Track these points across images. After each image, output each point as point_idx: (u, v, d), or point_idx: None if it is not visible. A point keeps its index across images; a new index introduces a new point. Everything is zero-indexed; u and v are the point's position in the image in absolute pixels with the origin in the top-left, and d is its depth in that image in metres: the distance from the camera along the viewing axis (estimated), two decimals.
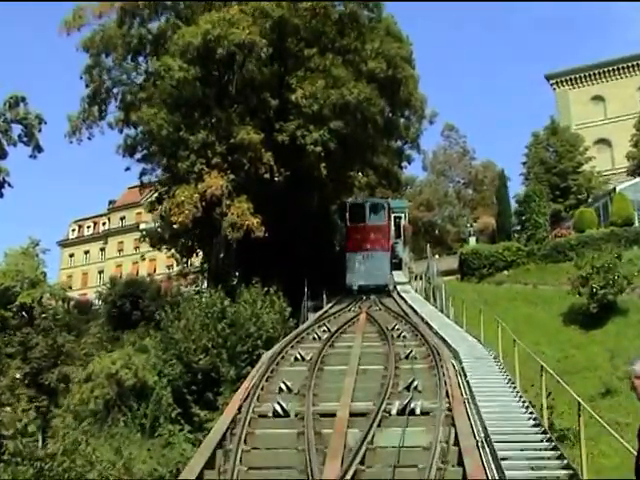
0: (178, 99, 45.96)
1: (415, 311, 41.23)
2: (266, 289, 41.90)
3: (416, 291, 53.53)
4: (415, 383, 21.37)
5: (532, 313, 47.77)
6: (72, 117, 51.80)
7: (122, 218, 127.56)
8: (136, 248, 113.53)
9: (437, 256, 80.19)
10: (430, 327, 34.86)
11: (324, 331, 33.13)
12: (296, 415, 19.40)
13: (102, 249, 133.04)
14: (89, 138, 51.61)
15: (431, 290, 49.17)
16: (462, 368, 25.29)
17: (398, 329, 32.57)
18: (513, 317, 45.79)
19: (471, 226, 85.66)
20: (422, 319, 37.81)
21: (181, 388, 35.73)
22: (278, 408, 19.71)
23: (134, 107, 48.78)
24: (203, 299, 39.60)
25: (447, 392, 20.75)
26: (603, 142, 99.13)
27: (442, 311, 42.85)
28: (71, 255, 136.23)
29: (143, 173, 54.73)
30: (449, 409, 19.37)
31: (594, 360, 39.40)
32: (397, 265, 59.23)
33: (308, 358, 26.23)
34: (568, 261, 53.73)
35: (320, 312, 42.08)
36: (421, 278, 58.46)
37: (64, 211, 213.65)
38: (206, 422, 32.77)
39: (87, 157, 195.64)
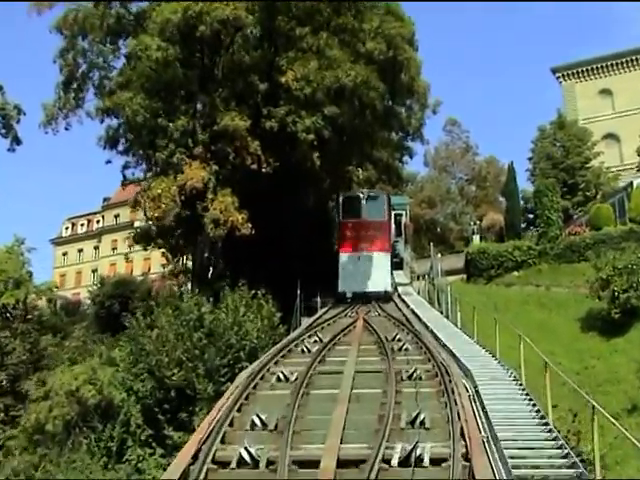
0: (157, 83, 41.35)
1: (418, 317, 36.76)
2: (253, 292, 37.58)
3: (418, 293, 49.25)
4: (422, 416, 16.48)
5: (546, 318, 43.44)
6: (47, 105, 46.66)
7: (116, 216, 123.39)
8: (130, 246, 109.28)
9: (440, 255, 74.46)
10: (436, 337, 30.54)
11: (315, 342, 28.38)
12: (268, 464, 14.49)
13: (96, 247, 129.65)
14: (66, 128, 46.33)
15: (435, 292, 44.40)
16: (477, 392, 20.50)
17: (399, 340, 27.78)
18: (525, 323, 41.91)
19: (475, 224, 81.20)
20: (426, 327, 33.47)
21: (152, 407, 31.00)
22: (245, 455, 14.79)
23: (111, 93, 43.75)
24: (183, 304, 34.55)
25: (462, 429, 15.86)
26: (611, 137, 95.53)
27: (448, 317, 38.30)
28: (64, 253, 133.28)
29: (126, 167, 49.50)
30: (466, 456, 14.56)
31: (617, 372, 35.36)
32: (398, 265, 56.02)
33: (293, 378, 21.39)
34: (583, 261, 50.08)
35: (313, 318, 37.64)
36: (423, 278, 54.37)
37: (58, 208, 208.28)
38: (180, 445, 27.59)
39: (82, 151, 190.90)
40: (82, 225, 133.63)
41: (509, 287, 51.46)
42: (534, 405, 19.83)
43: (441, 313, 39.54)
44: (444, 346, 28.08)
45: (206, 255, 44.05)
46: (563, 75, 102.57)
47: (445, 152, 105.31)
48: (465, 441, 15.26)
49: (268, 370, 22.76)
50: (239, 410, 18.32)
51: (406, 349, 26.17)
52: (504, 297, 48.25)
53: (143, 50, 39.92)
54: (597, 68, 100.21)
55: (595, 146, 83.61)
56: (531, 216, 74.72)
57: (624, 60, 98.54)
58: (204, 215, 38.80)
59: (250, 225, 38.86)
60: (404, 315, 37.25)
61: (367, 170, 63.49)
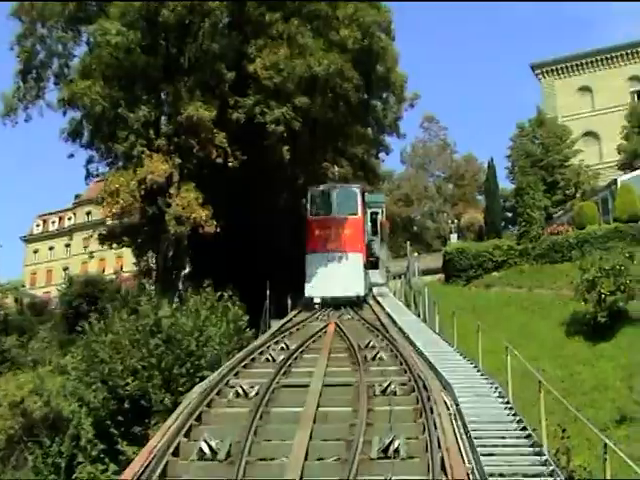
0: (117, 70, 38.52)
1: (394, 321, 34.30)
2: (219, 294, 34.99)
3: (394, 294, 46.79)
4: (396, 443, 14.01)
5: (528, 322, 41.30)
6: (6, 96, 43.51)
7: (88, 213, 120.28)
8: (102, 244, 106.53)
9: (416, 254, 72.86)
10: (413, 344, 27.96)
11: (282, 349, 26.01)
12: None
13: (67, 245, 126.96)
14: (26, 120, 43.11)
15: (412, 295, 41.85)
16: (459, 411, 18.01)
17: (373, 347, 25.61)
18: (506, 326, 40.11)
19: (452, 222, 79.01)
20: (402, 332, 30.99)
21: (105, 419, 28.16)
22: None
23: (71, 82, 40.86)
24: (142, 307, 31.81)
25: (443, 460, 13.37)
26: (590, 135, 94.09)
27: (425, 320, 35.84)
28: (35, 251, 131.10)
29: (89, 161, 46.30)
30: None
31: (604, 379, 33.32)
32: (374, 264, 52.89)
33: (253, 393, 18.84)
34: (567, 261, 48.34)
35: (283, 321, 35.27)
36: (400, 277, 51.79)
37: (30, 205, 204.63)
38: None
39: (54, 146, 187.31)
40: (53, 222, 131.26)
41: (489, 288, 49.19)
42: (524, 429, 17.28)
43: (418, 316, 37.12)
44: (421, 354, 25.64)
45: (171, 254, 41.23)
46: (542, 72, 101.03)
47: (422, 149, 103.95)
48: (447, 475, 12.83)
49: (227, 383, 20.29)
50: (187, 434, 15.80)
51: (380, 358, 23.95)
52: (484, 299, 46.07)
53: (102, 35, 37.06)
54: (577, 65, 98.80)
55: (575, 144, 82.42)
56: (510, 215, 73.40)
57: (604, 57, 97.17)
58: (166, 211, 36.03)
59: (215, 222, 36.26)
60: (379, 319, 34.89)
61: (342, 167, 61.20)
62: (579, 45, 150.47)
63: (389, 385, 18.83)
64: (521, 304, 43.94)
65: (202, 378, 24.44)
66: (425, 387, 18.45)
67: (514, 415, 18.31)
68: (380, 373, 20.99)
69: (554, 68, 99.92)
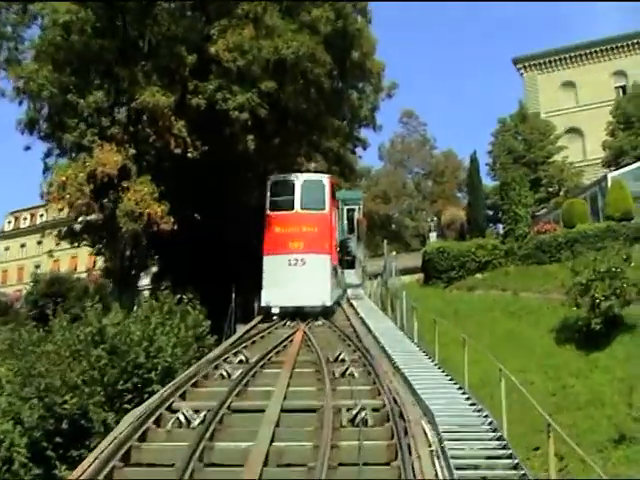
0: (68, 53, 34.96)
1: (368, 328, 31.18)
2: (179, 297, 32.24)
3: (370, 296, 43.50)
4: None
5: (514, 328, 38.07)
6: None
7: (61, 209, 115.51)
8: (72, 243, 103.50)
9: (394, 253, 69.70)
10: (388, 357, 25.22)
11: (240, 362, 22.75)
12: None
13: (39, 242, 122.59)
14: None
15: (388, 298, 38.41)
16: (442, 448, 14.80)
17: (343, 360, 22.51)
18: (491, 333, 37.34)
19: (432, 220, 78.42)
20: (377, 342, 28.02)
21: (41, 440, 24.54)
22: None
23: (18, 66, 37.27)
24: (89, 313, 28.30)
25: None
26: (574, 131, 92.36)
27: (403, 328, 32.48)
28: (7, 248, 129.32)
29: (48, 154, 42.44)
30: None
31: (600, 393, 29.79)
32: (350, 264, 51.97)
33: (197, 422, 15.48)
34: (555, 262, 45.04)
35: (246, 328, 31.75)
36: (377, 277, 49.62)
37: (1, 202, 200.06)
38: None
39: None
40: (25, 219, 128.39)
41: (472, 291, 45.83)
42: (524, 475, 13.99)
43: (395, 324, 33.69)
44: (398, 369, 23.14)
45: (128, 253, 37.77)
46: (525, 66, 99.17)
47: (401, 145, 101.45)
48: None
49: (169, 407, 16.81)
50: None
51: (351, 374, 20.58)
52: (466, 303, 42.76)
53: (50, 14, 33.63)
54: (560, 60, 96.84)
55: (558, 140, 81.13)
56: (491, 213, 70.44)
57: (588, 51, 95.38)
58: (115, 206, 32.61)
59: (172, 219, 32.79)
60: (352, 325, 31.86)
61: (316, 161, 58.23)
62: (562, 39, 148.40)
63: (359, 412, 15.53)
64: (506, 309, 40.62)
65: (152, 393, 21.61)
66: (402, 417, 15.21)
67: (510, 457, 14.97)
68: (350, 394, 17.62)
69: (537, 62, 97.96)
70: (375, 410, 16.05)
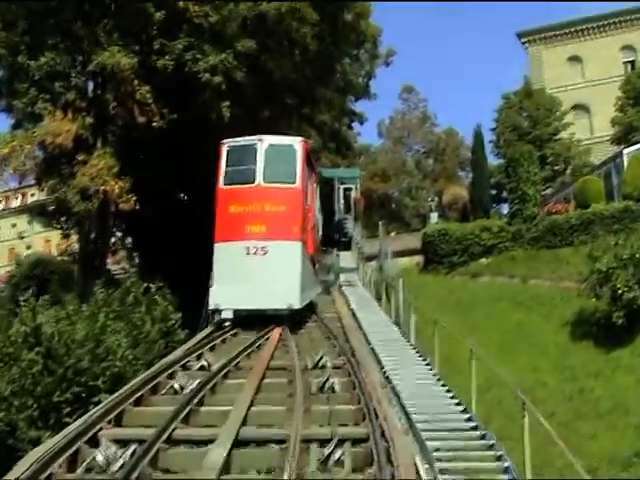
0: (19, 8, 30.13)
1: (359, 323, 26.35)
2: (145, 285, 28.16)
3: (367, 282, 38.63)
4: None
5: (524, 321, 33.70)
6: None
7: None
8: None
9: (394, 234, 67.98)
10: (380, 363, 20.48)
11: (202, 368, 17.94)
12: None
13: (29, 222, 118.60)
14: None
15: (383, 286, 33.55)
16: None
17: (324, 367, 17.57)
18: (497, 326, 32.93)
19: (432, 200, 74.34)
20: (367, 342, 23.24)
21: None
22: None
23: None
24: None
25: None
26: (580, 108, 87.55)
27: (398, 323, 27.74)
28: None
29: (16, 126, 37.56)
30: None
31: (624, 399, 25.76)
32: (346, 245, 49.50)
33: (117, 465, 10.74)
34: (567, 246, 40.54)
35: (218, 322, 26.60)
36: (373, 259, 45.12)
37: None
38: None
39: None
40: (16, 198, 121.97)
41: (476, 278, 41.11)
42: None
43: (389, 318, 28.92)
44: (387, 379, 18.80)
45: (93, 236, 33.15)
46: (529, 40, 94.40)
47: (401, 122, 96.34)
48: None
49: (92, 438, 12.06)
50: None
51: (331, 388, 15.91)
52: (470, 291, 38.12)
53: None
54: (566, 34, 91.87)
55: (565, 116, 77.05)
56: (494, 192, 66.04)
57: (595, 25, 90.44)
58: (69, 183, 27.88)
59: (135, 197, 28.00)
60: (340, 319, 26.94)
61: (309, 136, 53.63)
62: (569, 12, 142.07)
63: (336, 447, 10.96)
64: (515, 298, 35.95)
65: (97, 403, 17.18)
66: (390, 461, 10.58)
67: None
68: (327, 417, 13.05)
69: (542, 36, 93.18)
70: (358, 442, 11.49)
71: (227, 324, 23.29)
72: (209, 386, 15.67)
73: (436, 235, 44.65)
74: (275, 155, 23.13)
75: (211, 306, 23.65)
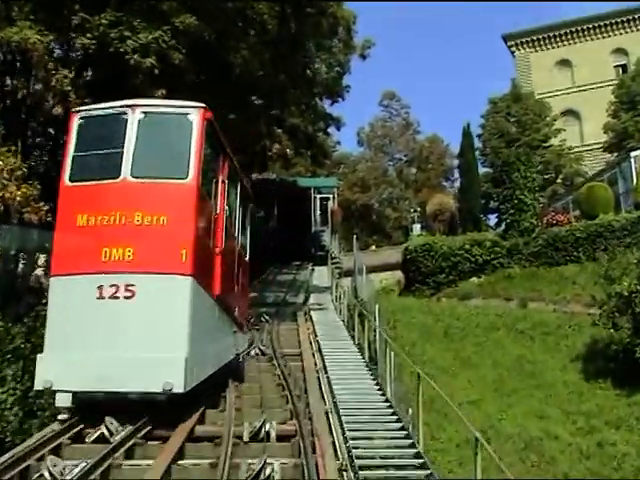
0: None
1: (324, 364, 20.71)
2: None
3: (336, 306, 32.54)
4: None
5: (525, 354, 28.27)
6: None
7: None
8: None
9: (374, 247, 64.79)
10: (344, 433, 14.91)
11: (101, 438, 11.94)
12: None
13: None
14: None
15: (356, 312, 27.38)
16: None
17: (261, 440, 12.54)
18: (494, 361, 28.28)
19: (415, 211, 67.99)
20: (332, 395, 17.60)
21: None
22: None
23: None
24: None
25: None
26: (570, 114, 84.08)
27: (373, 361, 22.02)
28: None
29: None
30: None
31: None
32: (323, 259, 46.29)
33: None
34: (571, 262, 35.41)
35: None
36: (349, 275, 39.76)
37: None
38: None
39: None
40: None
41: (466, 301, 35.20)
42: None
43: (362, 356, 22.96)
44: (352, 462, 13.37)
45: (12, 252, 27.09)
46: (516, 44, 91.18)
47: (382, 129, 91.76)
48: None
49: None
50: None
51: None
52: (460, 317, 32.05)
53: None
54: (555, 37, 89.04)
55: (556, 121, 73.31)
56: (482, 202, 60.84)
57: (585, 28, 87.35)
58: None
59: (46, 207, 21.85)
60: (301, 358, 21.59)
61: (279, 141, 48.78)
62: (557, 14, 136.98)
63: None
64: (514, 326, 30.07)
65: None
66: None
67: None
68: None
69: (529, 39, 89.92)
70: None
71: None
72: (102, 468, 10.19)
73: (419, 250, 38.53)
74: (155, 132, 13.63)
75: (38, 385, 13.00)
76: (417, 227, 60.61)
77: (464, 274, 37.44)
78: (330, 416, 15.49)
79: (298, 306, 32.98)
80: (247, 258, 18.57)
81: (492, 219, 61.90)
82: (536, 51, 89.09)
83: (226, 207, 14.24)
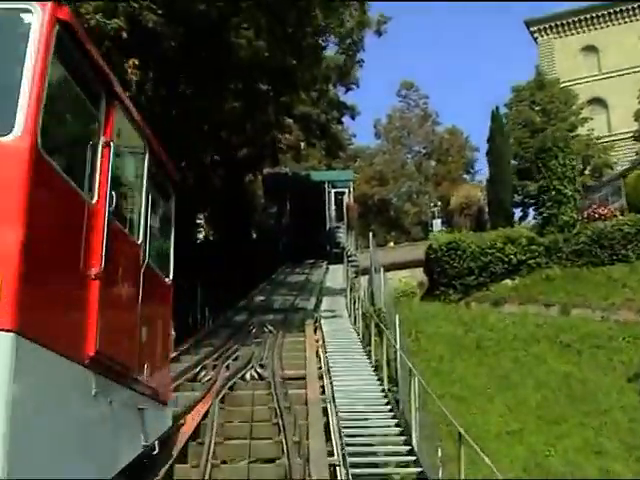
0: None
1: (333, 395, 15.99)
2: None
3: (351, 313, 28.24)
4: None
5: (573, 372, 23.79)
6: None
7: None
8: None
9: (392, 244, 62.54)
10: None
11: None
12: None
13: None
14: None
15: (372, 324, 23.00)
16: None
17: None
18: (536, 380, 23.34)
19: (435, 205, 66.94)
20: (341, 439, 13.47)
21: None
22: None
23: None
24: None
25: None
26: (597, 102, 78.31)
27: (394, 382, 17.81)
28: None
29: None
30: None
31: None
32: (338, 257, 43.48)
33: None
34: (619, 262, 31.18)
35: None
36: (366, 274, 36.17)
37: None
38: None
39: None
40: None
41: (499, 307, 30.81)
42: None
43: (376, 379, 18.73)
44: None
45: None
46: (539, 30, 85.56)
47: (399, 121, 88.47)
48: None
49: None
50: None
51: None
52: (493, 327, 27.68)
53: None
54: (579, 21, 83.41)
55: (582, 110, 68.77)
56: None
57: (611, 11, 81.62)
58: None
59: None
60: (305, 382, 16.97)
61: (289, 130, 45.90)
62: None
63: None
64: (557, 338, 25.63)
65: None
66: None
67: None
68: None
69: (553, 25, 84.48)
70: None
71: None
72: None
73: (444, 249, 33.94)
74: None
75: None
76: (437, 222, 59.21)
77: (496, 276, 33.05)
78: (338, 472, 11.76)
79: (308, 313, 28.78)
80: (170, 279, 10.89)
81: (516, 213, 58.60)
82: (560, 37, 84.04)
83: (114, 192, 7.20)
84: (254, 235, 53.14)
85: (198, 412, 13.40)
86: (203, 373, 17.72)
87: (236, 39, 26.98)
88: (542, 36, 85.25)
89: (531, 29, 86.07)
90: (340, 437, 13.57)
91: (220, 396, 14.63)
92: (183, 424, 12.36)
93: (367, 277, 36.11)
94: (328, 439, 13.01)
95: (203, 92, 28.36)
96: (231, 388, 15.86)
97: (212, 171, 44.23)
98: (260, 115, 36.71)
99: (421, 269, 40.85)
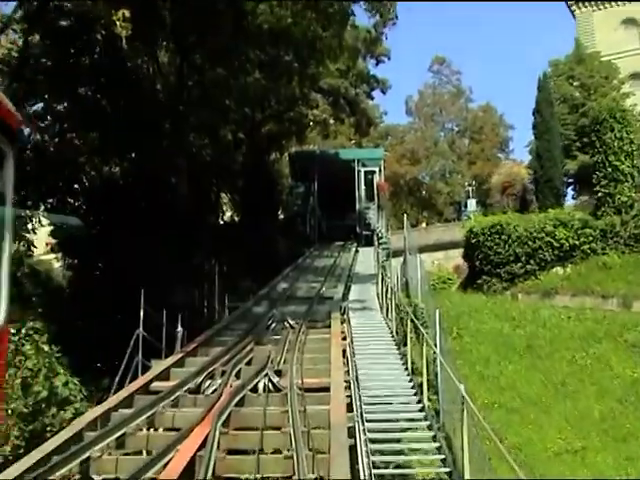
0: None
1: (362, 414, 13.15)
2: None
3: (383, 299, 25.03)
4: None
5: None
6: None
7: None
8: None
9: (424, 224, 59.91)
10: None
11: None
12: None
13: None
14: None
15: (408, 327, 19.69)
16: None
17: None
18: (600, 387, 19.77)
19: (470, 185, 64.74)
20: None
21: None
22: None
23: None
24: None
25: None
26: (638, 77, 73.64)
27: (434, 390, 14.82)
28: None
29: None
30: None
31: None
32: (368, 239, 42.04)
33: None
34: None
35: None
36: (398, 256, 34.38)
37: None
38: None
39: None
40: None
41: (551, 299, 27.32)
42: None
43: (416, 393, 15.39)
44: None
45: None
46: (577, 2, 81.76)
47: (431, 97, 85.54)
48: None
49: None
50: None
51: None
52: (546, 324, 24.35)
53: None
54: None
55: (623, 85, 65.35)
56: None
57: None
58: None
59: None
60: (331, 401, 13.42)
61: (316, 104, 43.12)
62: None
63: None
64: (620, 336, 22.35)
65: None
66: None
67: None
68: None
69: None
70: None
71: None
72: None
73: (487, 233, 30.50)
74: None
75: None
76: (472, 202, 57.46)
77: (546, 263, 29.83)
78: None
79: (335, 303, 25.51)
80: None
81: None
82: (599, 9, 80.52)
83: None
84: (280, 216, 50.71)
85: (195, 440, 10.31)
86: (208, 383, 14.58)
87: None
88: (580, 9, 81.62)
89: (569, 2, 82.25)
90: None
91: (224, 417, 11.47)
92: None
93: (399, 259, 33.34)
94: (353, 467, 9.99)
95: (221, 61, 25.86)
96: (240, 401, 12.75)
97: (235, 149, 41.75)
98: (284, 88, 35.59)
99: (455, 251, 38.85)
